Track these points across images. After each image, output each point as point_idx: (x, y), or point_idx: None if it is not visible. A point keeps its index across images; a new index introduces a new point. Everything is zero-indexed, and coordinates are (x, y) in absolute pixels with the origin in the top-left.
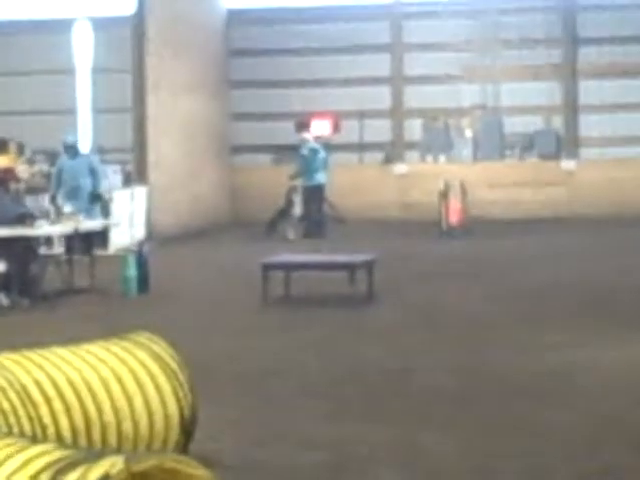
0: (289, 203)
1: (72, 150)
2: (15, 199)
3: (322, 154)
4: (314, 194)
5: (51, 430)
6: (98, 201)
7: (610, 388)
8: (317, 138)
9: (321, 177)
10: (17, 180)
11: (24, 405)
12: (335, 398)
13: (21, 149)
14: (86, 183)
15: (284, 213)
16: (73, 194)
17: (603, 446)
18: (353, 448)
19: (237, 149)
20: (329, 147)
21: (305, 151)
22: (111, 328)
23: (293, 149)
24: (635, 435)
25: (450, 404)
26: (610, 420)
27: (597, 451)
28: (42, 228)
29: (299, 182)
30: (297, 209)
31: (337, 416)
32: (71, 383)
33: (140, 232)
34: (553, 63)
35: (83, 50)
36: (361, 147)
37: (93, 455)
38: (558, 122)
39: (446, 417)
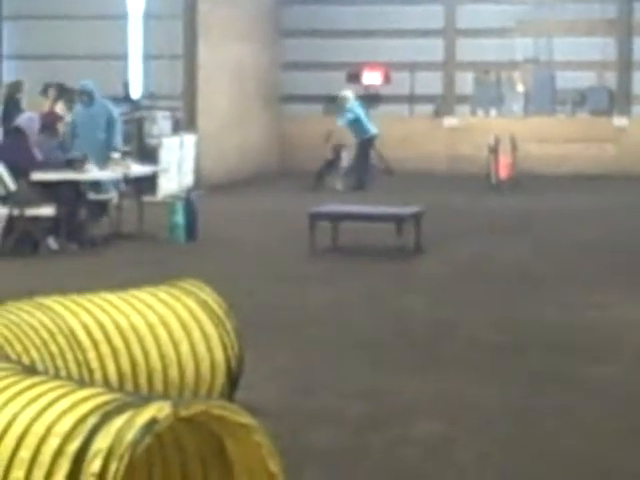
0: (337, 155)
1: (87, 98)
2: (62, 144)
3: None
4: (367, 146)
5: (98, 374)
6: (108, 159)
7: None
8: (367, 88)
9: (372, 129)
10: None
11: (72, 349)
12: (380, 349)
13: (61, 92)
14: (102, 136)
15: (332, 164)
16: (87, 147)
17: None
18: (397, 398)
19: (287, 98)
20: (380, 98)
21: (352, 106)
22: (158, 275)
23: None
24: None
25: (495, 357)
26: None
27: (634, 410)
28: (91, 173)
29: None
30: (345, 161)
31: (382, 366)
32: (118, 328)
33: (188, 179)
34: (608, 18)
35: None
36: (411, 99)
37: (140, 399)
38: (611, 78)
39: (491, 370)
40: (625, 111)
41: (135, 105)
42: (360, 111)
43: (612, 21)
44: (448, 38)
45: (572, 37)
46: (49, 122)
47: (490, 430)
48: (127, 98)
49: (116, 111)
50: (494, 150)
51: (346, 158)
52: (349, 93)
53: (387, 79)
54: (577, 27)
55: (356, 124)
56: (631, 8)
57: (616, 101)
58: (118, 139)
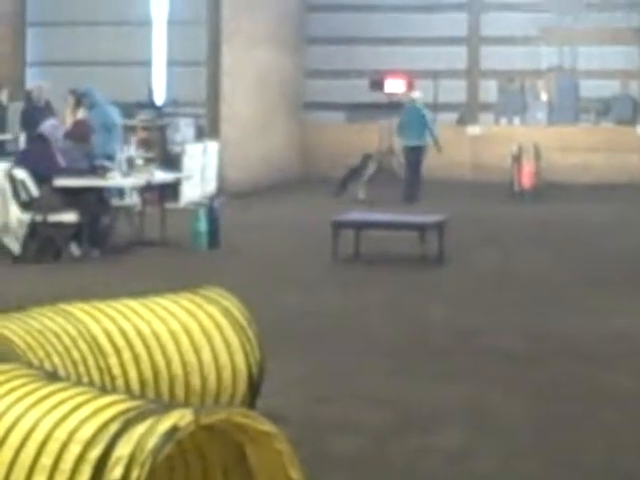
0: (363, 164)
1: (88, 102)
2: (87, 152)
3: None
4: (413, 155)
5: (120, 381)
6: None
7: None
8: (391, 96)
9: (419, 138)
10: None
11: (94, 355)
12: (402, 357)
13: (78, 100)
14: (98, 140)
15: (356, 173)
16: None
17: None
18: (418, 407)
19: (310, 105)
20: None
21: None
22: (181, 282)
23: (366, 107)
24: None
25: (517, 366)
26: None
27: None
28: (114, 179)
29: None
30: (371, 170)
31: (403, 375)
32: (140, 335)
33: (211, 186)
34: (632, 27)
35: (159, 2)
36: (435, 107)
37: (162, 407)
38: (635, 87)
39: (513, 378)
40: None
41: (159, 111)
42: (412, 117)
43: (636, 30)
44: (472, 46)
45: (596, 46)
46: (80, 131)
47: (512, 440)
48: (151, 104)
49: (117, 118)
50: (517, 159)
51: (372, 167)
52: (415, 95)
53: (410, 87)
54: (601, 36)
55: (402, 130)
56: None
57: None
58: (112, 146)
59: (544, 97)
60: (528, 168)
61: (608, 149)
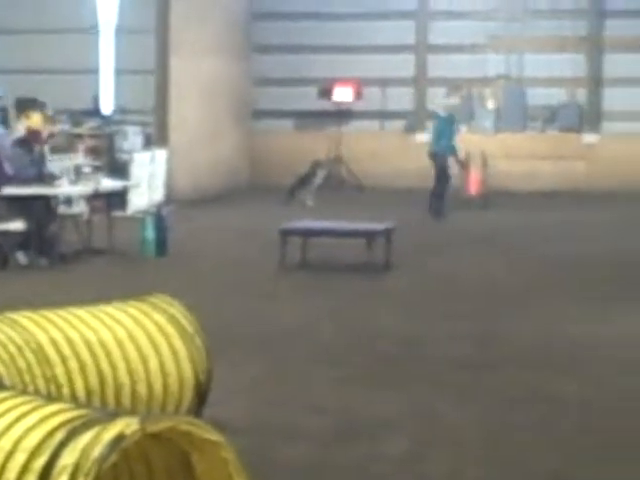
0: (312, 172)
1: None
2: (37, 160)
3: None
4: (436, 164)
5: (66, 390)
6: None
7: (629, 362)
8: (340, 104)
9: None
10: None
11: (40, 364)
12: (349, 364)
13: (32, 107)
14: None
15: (305, 181)
16: None
17: (620, 420)
18: (364, 414)
19: (259, 114)
20: (350, 114)
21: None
22: (128, 290)
23: (314, 115)
24: None
25: (466, 373)
26: (628, 394)
27: (610, 426)
28: (62, 187)
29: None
30: (319, 178)
31: (350, 382)
32: (87, 343)
33: (159, 194)
34: (579, 35)
35: (107, 10)
36: (383, 115)
37: (108, 415)
38: (581, 95)
39: (461, 386)
40: (595, 128)
41: (105, 120)
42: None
43: (583, 38)
44: (420, 54)
45: (543, 54)
46: (27, 139)
47: (460, 447)
48: (97, 112)
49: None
50: (465, 166)
51: (321, 175)
52: (441, 102)
53: (358, 95)
54: (548, 44)
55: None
56: (601, 25)
57: (586, 118)
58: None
59: (491, 105)
60: (475, 175)
61: (554, 156)
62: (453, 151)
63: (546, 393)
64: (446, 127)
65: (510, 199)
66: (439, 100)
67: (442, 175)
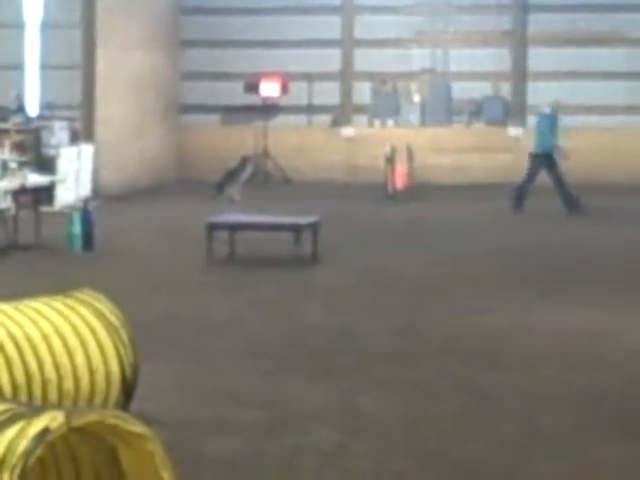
0: (241, 166)
1: None
2: None
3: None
4: (533, 163)
5: None
6: None
7: (547, 353)
8: (266, 99)
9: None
10: None
11: None
12: (277, 357)
13: None
14: None
15: (233, 175)
16: None
17: (540, 410)
18: (294, 407)
19: (186, 108)
20: (278, 108)
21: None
22: (55, 285)
23: (241, 110)
24: (570, 397)
25: (393, 365)
26: (552, 384)
27: (534, 415)
28: None
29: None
30: (247, 173)
31: (278, 375)
32: (13, 338)
33: (86, 190)
34: (503, 30)
35: (33, 4)
36: (309, 109)
37: (33, 409)
38: (506, 89)
39: (388, 378)
40: (520, 121)
41: (27, 115)
42: (539, 123)
43: (507, 32)
44: (346, 48)
45: (468, 48)
46: None
47: (387, 439)
48: (21, 109)
49: None
50: (390, 160)
51: (249, 169)
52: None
53: (285, 89)
54: (473, 38)
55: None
56: (525, 20)
57: (511, 111)
58: None
59: (417, 99)
60: (401, 169)
61: (480, 149)
62: (558, 150)
63: (470, 384)
64: (551, 125)
65: (437, 192)
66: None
67: (533, 174)
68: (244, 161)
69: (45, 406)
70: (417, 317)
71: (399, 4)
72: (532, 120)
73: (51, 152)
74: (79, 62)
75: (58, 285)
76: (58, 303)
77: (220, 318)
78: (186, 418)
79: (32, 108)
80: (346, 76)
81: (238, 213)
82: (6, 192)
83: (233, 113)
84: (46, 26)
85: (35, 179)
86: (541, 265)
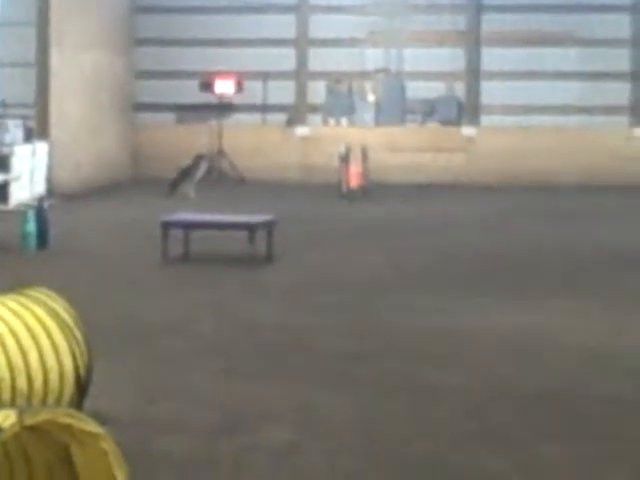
0: (195, 165)
1: None
2: None
3: None
4: None
5: None
6: None
7: (500, 353)
8: (221, 97)
9: None
10: None
11: None
12: (231, 356)
13: None
14: None
15: (187, 173)
16: None
17: (489, 409)
18: (247, 406)
19: (141, 107)
20: (232, 107)
21: None
22: (8, 283)
23: (196, 108)
24: (521, 399)
25: (346, 364)
26: (504, 382)
27: (483, 414)
28: None
29: None
30: (201, 171)
31: (232, 374)
32: None
33: (41, 188)
34: (457, 30)
35: None
36: (264, 108)
37: None
38: (460, 89)
39: (342, 377)
40: (474, 121)
41: None
42: None
43: (461, 32)
44: (300, 47)
45: (422, 48)
46: None
47: (340, 437)
48: None
49: None
50: (345, 159)
51: (203, 168)
52: None
53: (239, 88)
54: (427, 38)
55: None
56: (479, 20)
57: (465, 111)
58: None
59: (371, 98)
60: (355, 169)
61: (434, 149)
62: None
63: (422, 382)
64: None
65: (391, 192)
66: None
67: None
68: (198, 159)
69: None
70: (371, 316)
71: (354, 4)
72: None
73: (5, 150)
74: (33, 60)
75: (11, 283)
76: (11, 301)
77: (174, 317)
78: (140, 417)
79: None
80: (301, 75)
81: (193, 212)
82: None
83: (188, 112)
84: (1, 24)
85: None
86: (496, 265)
